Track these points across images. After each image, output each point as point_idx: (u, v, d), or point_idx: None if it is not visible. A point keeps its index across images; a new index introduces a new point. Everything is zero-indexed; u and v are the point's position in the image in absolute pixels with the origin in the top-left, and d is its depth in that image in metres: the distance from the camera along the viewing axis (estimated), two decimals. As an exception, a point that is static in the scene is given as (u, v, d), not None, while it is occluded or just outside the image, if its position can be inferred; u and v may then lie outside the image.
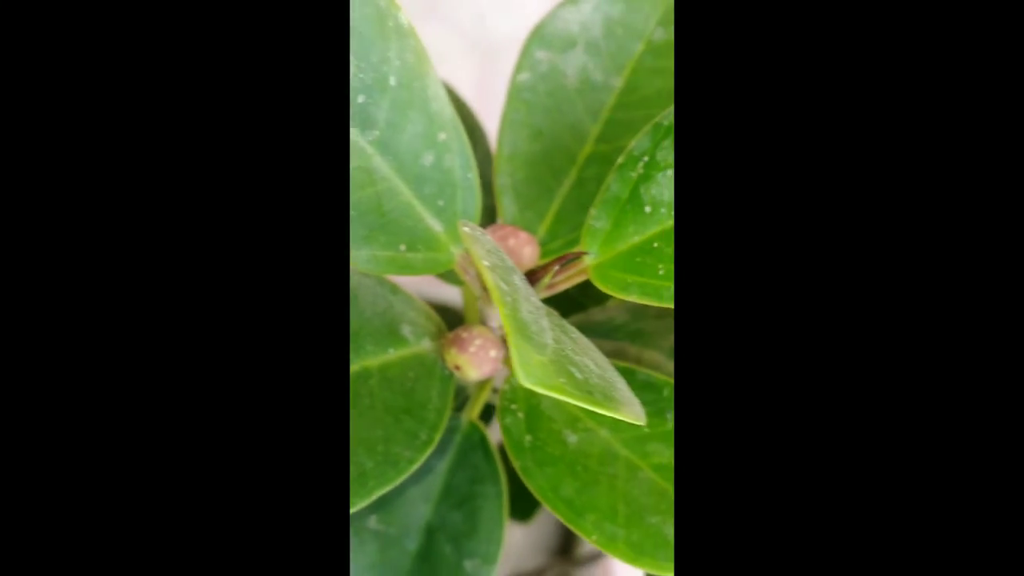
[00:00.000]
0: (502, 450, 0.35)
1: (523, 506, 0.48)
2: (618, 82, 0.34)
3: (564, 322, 0.25)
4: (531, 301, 0.23)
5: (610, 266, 0.28)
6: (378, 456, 0.29)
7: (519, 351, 0.19)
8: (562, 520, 0.28)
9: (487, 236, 0.25)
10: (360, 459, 0.28)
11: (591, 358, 0.22)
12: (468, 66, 0.79)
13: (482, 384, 0.36)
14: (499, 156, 0.34)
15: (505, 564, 0.76)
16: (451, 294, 0.49)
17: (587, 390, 0.20)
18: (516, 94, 0.34)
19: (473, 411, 0.36)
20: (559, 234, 0.34)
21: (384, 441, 0.29)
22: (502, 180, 0.34)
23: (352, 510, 0.27)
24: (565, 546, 0.76)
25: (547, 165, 0.34)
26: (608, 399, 0.20)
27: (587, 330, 0.35)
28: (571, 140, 0.34)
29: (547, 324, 0.22)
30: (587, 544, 0.74)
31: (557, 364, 0.20)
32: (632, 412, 0.21)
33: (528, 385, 0.19)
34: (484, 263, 0.21)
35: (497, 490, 0.34)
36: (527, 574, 0.66)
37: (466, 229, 0.22)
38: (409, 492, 0.35)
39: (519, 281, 0.23)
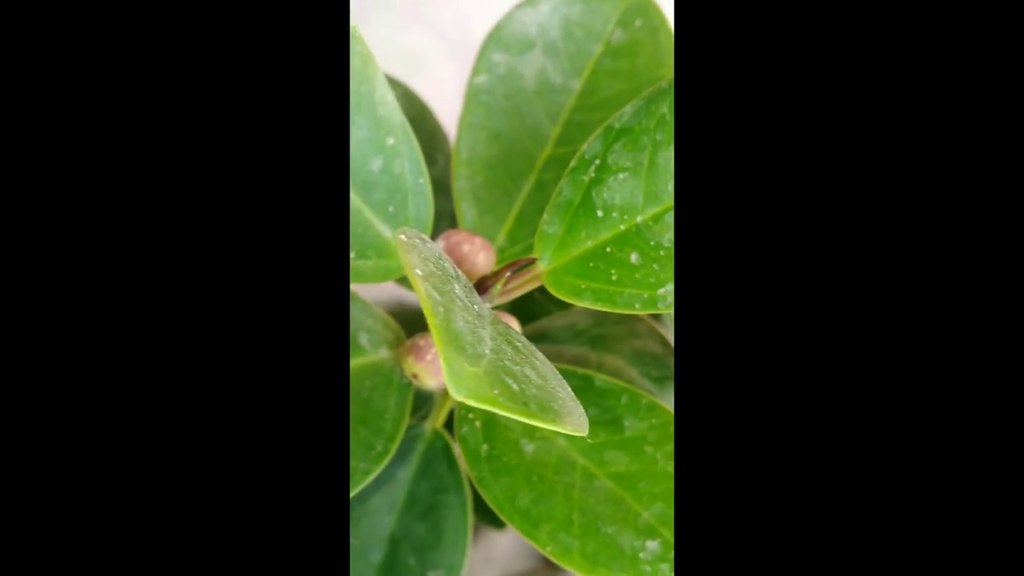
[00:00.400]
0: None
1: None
2: (577, 84, 0.34)
3: (511, 331, 0.24)
4: (471, 310, 0.22)
5: (564, 272, 0.28)
6: (331, 468, 0.28)
7: (449, 362, 0.19)
8: (518, 531, 0.27)
9: (429, 244, 0.25)
10: (312, 472, 0.28)
11: (532, 368, 0.22)
12: (451, 69, 0.78)
13: (446, 392, 0.36)
14: (456, 160, 0.33)
15: (493, 569, 0.75)
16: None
17: (522, 402, 0.19)
18: (474, 96, 0.33)
19: (437, 420, 0.35)
20: (519, 239, 0.33)
21: (337, 453, 0.28)
22: (460, 184, 0.33)
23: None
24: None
25: (506, 169, 0.33)
26: (544, 410, 0.20)
27: (549, 335, 0.35)
28: (530, 143, 0.33)
29: (487, 334, 0.22)
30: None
31: (492, 375, 0.19)
32: (572, 423, 0.20)
33: (459, 398, 0.18)
34: (417, 272, 0.20)
35: (461, 500, 0.34)
36: (514, 578, 0.65)
37: (402, 237, 0.22)
38: (372, 502, 0.35)
39: (459, 289, 0.22)
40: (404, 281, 0.35)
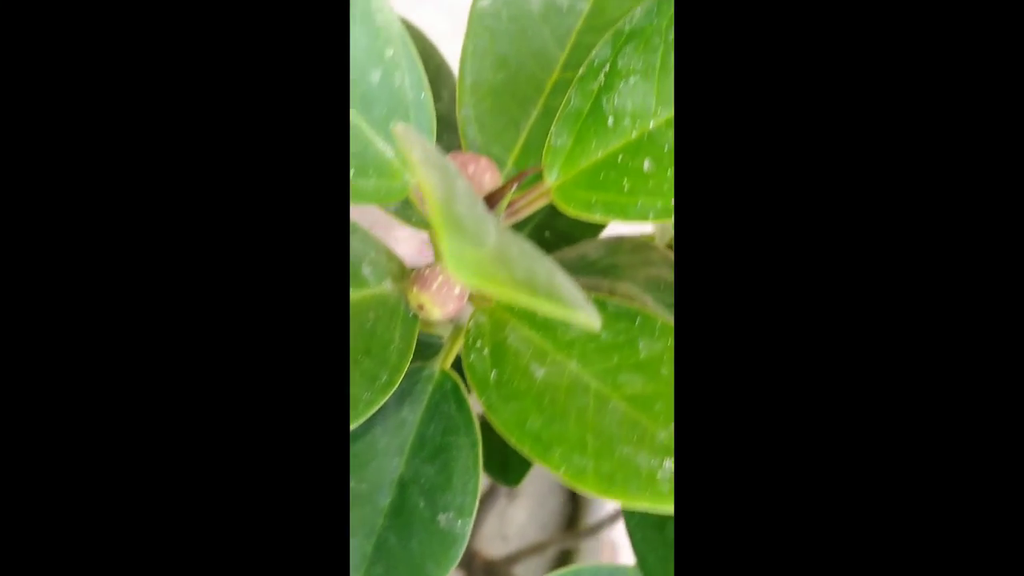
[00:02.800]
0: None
1: (511, 469, 0.46)
2: (585, 6, 0.32)
3: (518, 235, 0.23)
4: (476, 208, 0.21)
5: (573, 185, 0.26)
6: (334, 396, 0.27)
7: (450, 240, 0.17)
8: (528, 455, 0.26)
9: (431, 148, 0.23)
10: (314, 399, 0.26)
11: (542, 267, 0.21)
12: (460, 46, 0.77)
13: (455, 334, 0.35)
14: (461, 86, 0.32)
15: (509, 546, 0.74)
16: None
17: (531, 287, 0.18)
18: (478, 21, 0.32)
19: (446, 360, 0.34)
20: (528, 166, 0.32)
21: (340, 381, 0.27)
22: (465, 111, 0.32)
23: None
24: (570, 520, 0.74)
25: (512, 95, 0.32)
26: (553, 297, 0.18)
27: (561, 267, 0.33)
28: (537, 68, 0.32)
29: (492, 227, 0.20)
30: (591, 516, 0.72)
31: (497, 260, 0.18)
32: (583, 315, 0.19)
33: (461, 277, 0.17)
34: (415, 155, 0.19)
35: (471, 440, 0.33)
36: (531, 548, 0.64)
37: (399, 128, 0.20)
38: (380, 445, 0.33)
39: (462, 187, 0.21)
40: (402, 214, 0.34)
